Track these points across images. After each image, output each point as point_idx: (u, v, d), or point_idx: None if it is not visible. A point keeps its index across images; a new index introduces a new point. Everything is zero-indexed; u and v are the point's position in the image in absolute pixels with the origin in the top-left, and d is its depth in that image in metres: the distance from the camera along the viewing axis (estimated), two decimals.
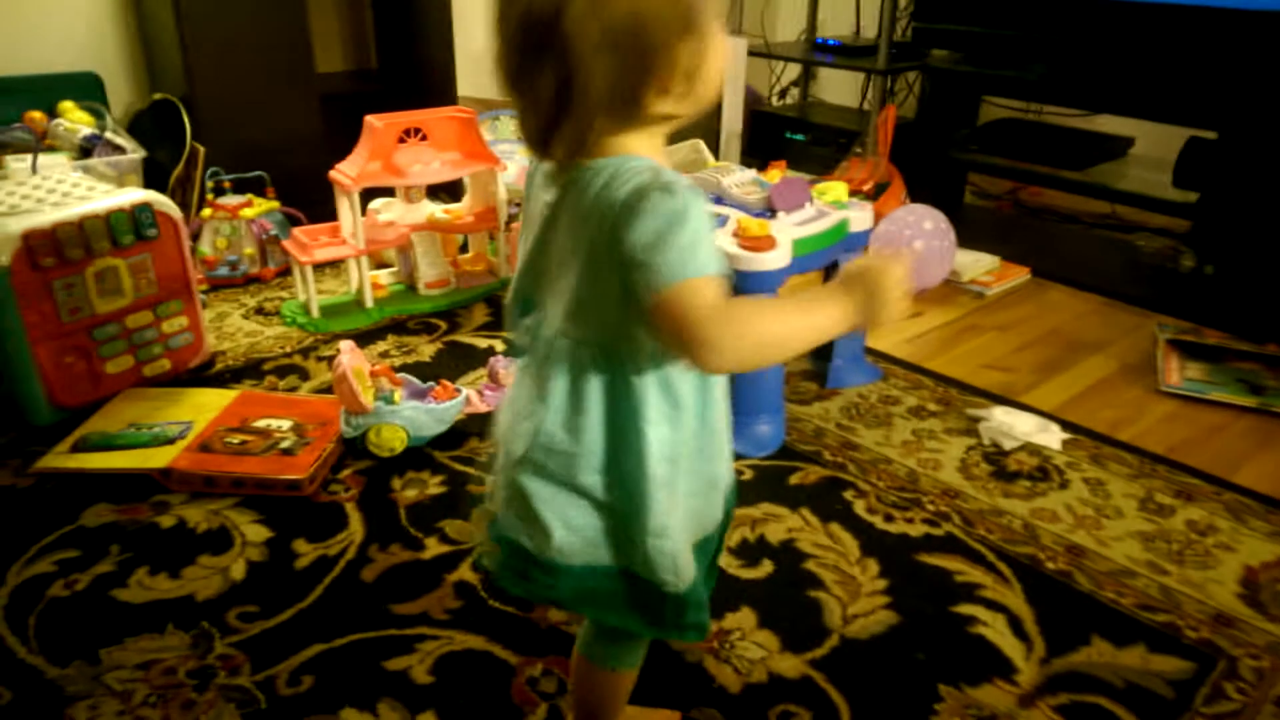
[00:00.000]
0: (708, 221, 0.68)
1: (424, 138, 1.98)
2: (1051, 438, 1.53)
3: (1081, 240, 2.57)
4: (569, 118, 0.67)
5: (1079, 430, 1.57)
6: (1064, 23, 2.19)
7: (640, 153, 0.71)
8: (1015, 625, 1.14)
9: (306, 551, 1.25)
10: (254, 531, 1.29)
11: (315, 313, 1.92)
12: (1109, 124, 2.61)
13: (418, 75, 2.69)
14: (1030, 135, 2.52)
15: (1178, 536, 1.31)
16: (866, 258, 0.75)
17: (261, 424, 1.49)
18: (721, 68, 0.71)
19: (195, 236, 2.09)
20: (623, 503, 0.75)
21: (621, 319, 0.70)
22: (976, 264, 2.22)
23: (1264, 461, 1.51)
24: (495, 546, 0.82)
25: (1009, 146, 2.49)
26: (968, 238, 2.27)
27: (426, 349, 1.84)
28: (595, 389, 0.73)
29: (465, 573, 1.21)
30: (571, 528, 0.76)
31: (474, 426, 1.54)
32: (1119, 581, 1.22)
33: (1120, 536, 1.31)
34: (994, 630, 1.13)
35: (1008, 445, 1.51)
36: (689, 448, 0.76)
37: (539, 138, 0.70)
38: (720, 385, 0.80)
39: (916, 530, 1.31)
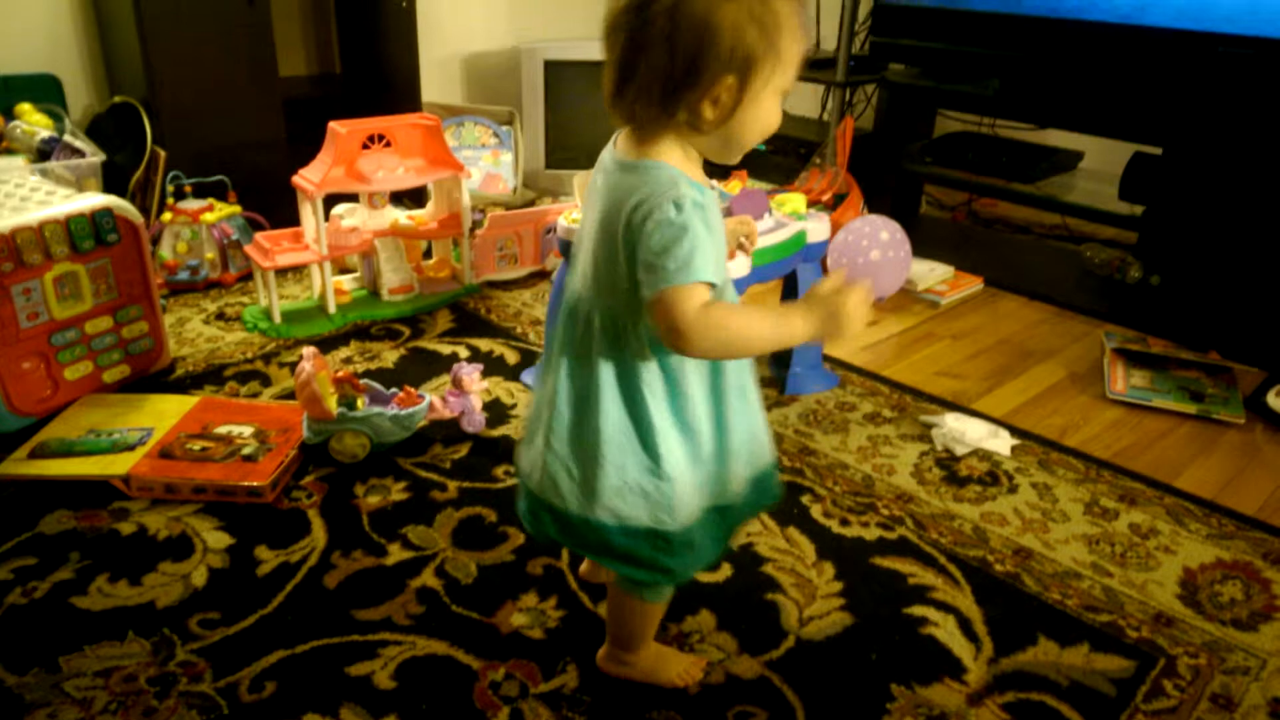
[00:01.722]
0: (706, 234, 0.79)
1: (388, 144, 1.98)
2: (1001, 443, 1.57)
3: (1033, 251, 2.64)
4: (629, 86, 0.80)
5: (1028, 436, 1.62)
6: (1017, 41, 2.26)
7: (672, 160, 0.82)
8: (965, 626, 1.17)
9: (268, 558, 1.25)
10: (215, 538, 1.29)
11: (277, 318, 1.92)
12: (1059, 139, 2.68)
13: (382, 81, 2.68)
14: (984, 148, 2.58)
15: (1121, 539, 1.36)
16: (831, 281, 0.86)
17: (223, 430, 1.49)
18: (761, 129, 0.83)
19: (155, 241, 2.07)
20: (617, 454, 0.87)
21: (629, 296, 0.82)
22: (931, 274, 2.27)
23: (1204, 466, 1.57)
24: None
25: (963, 159, 2.55)
26: (923, 248, 2.33)
27: (390, 355, 1.85)
28: (602, 344, 0.86)
29: (428, 578, 1.22)
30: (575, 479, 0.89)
31: (437, 432, 1.55)
32: (1064, 583, 1.26)
33: (1066, 539, 1.35)
34: (944, 631, 1.17)
35: (959, 451, 1.55)
36: (692, 414, 0.88)
37: (613, 98, 0.83)
38: (736, 370, 0.91)
39: (871, 534, 1.35)
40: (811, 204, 2.29)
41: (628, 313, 0.84)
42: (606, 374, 0.86)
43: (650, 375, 0.86)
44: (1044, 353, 1.96)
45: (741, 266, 1.46)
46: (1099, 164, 2.53)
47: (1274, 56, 1.86)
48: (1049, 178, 2.47)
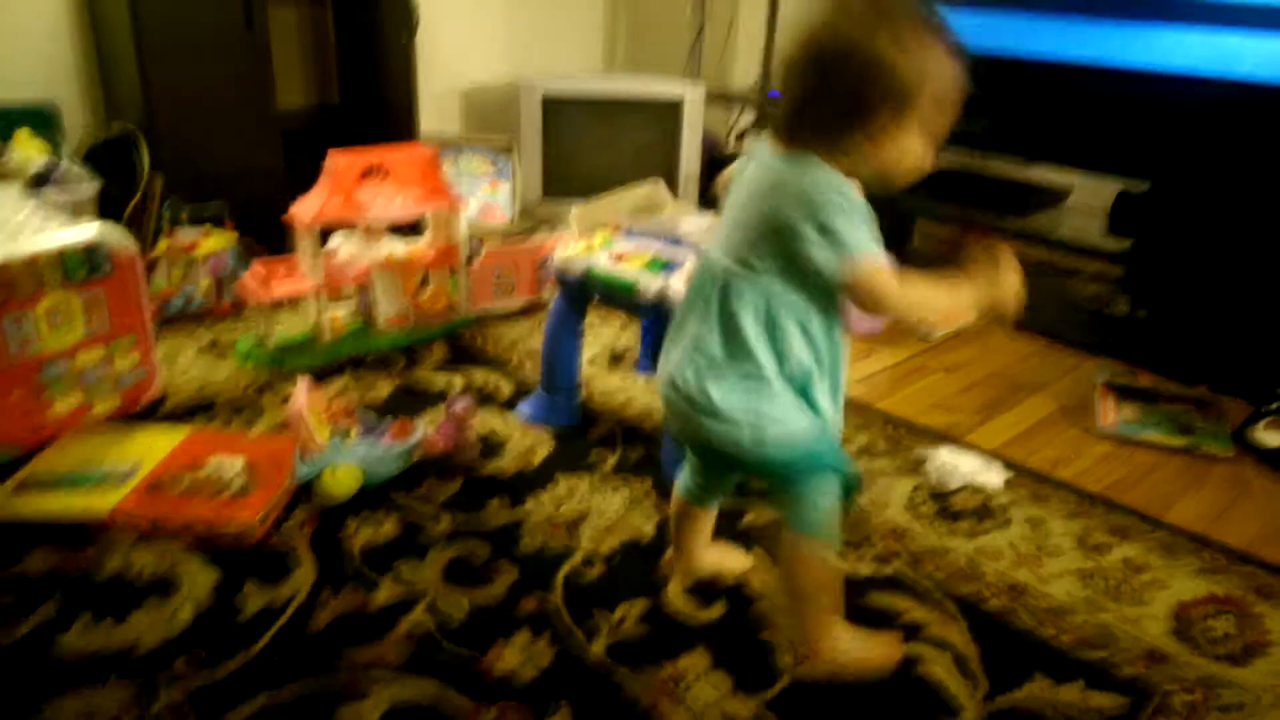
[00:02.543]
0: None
1: (386, 175, 1.99)
2: (993, 477, 1.58)
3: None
4: (803, 118, 0.93)
5: (1020, 469, 1.62)
6: (1005, 79, 2.29)
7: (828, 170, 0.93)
8: (960, 663, 1.17)
9: (256, 596, 1.24)
10: (202, 576, 1.27)
11: (271, 349, 1.91)
12: (1047, 175, 2.71)
13: (381, 112, 2.71)
14: (973, 184, 2.61)
15: (1113, 573, 1.36)
16: (987, 254, 1.00)
17: (213, 464, 1.47)
18: (911, 166, 0.95)
19: (150, 269, 2.07)
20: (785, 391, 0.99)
21: (788, 265, 0.94)
22: None
23: (1194, 500, 1.57)
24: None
25: (954, 194, 2.58)
26: None
27: (384, 386, 1.85)
28: (758, 309, 0.96)
29: (419, 616, 1.21)
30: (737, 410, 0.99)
31: (431, 466, 1.54)
32: (1058, 618, 1.26)
33: (1059, 574, 1.35)
34: (939, 668, 1.16)
35: (952, 484, 1.56)
36: (822, 365, 1.00)
37: (785, 124, 0.95)
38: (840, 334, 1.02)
39: (865, 568, 1.35)
40: None
41: (777, 291, 0.96)
42: (750, 335, 0.97)
43: (804, 334, 0.97)
44: (1034, 386, 1.97)
45: None
46: (1085, 199, 2.56)
47: (1250, 95, 1.89)
48: (1037, 212, 2.50)
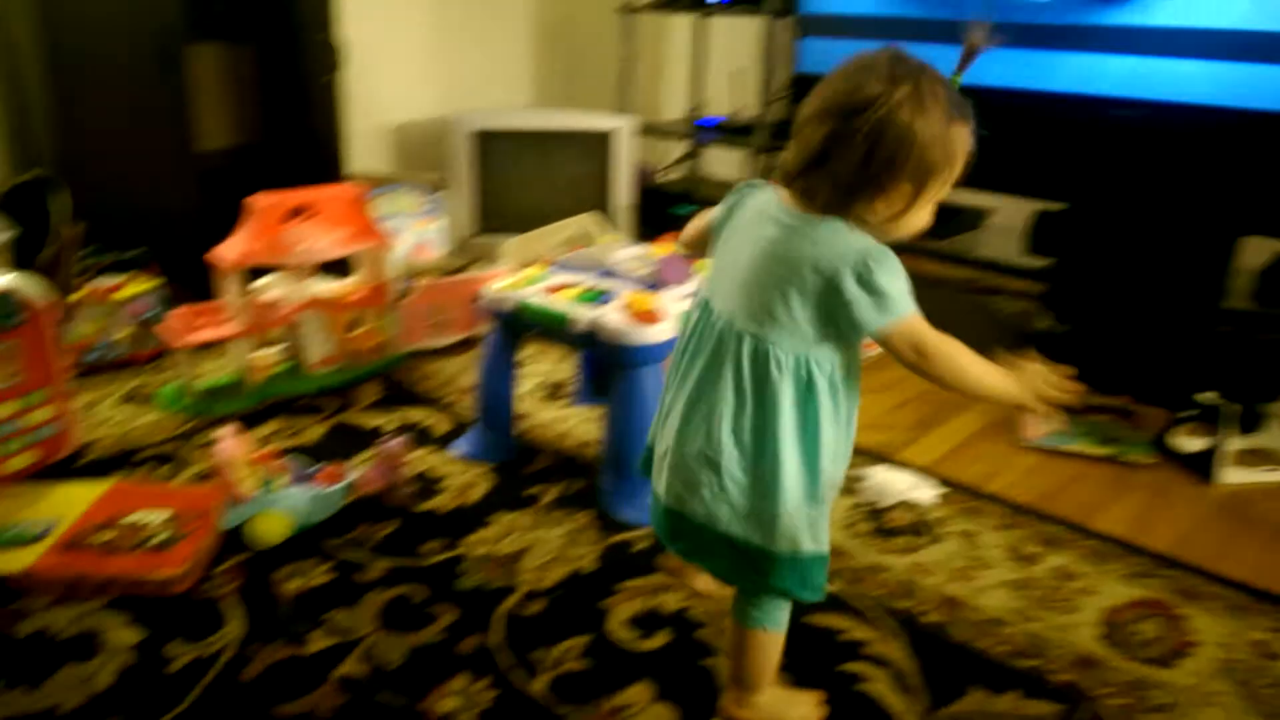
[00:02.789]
0: None
1: (312, 214, 1.97)
2: (927, 493, 1.60)
3: (949, 304, 2.73)
4: (819, 171, 0.91)
5: (952, 484, 1.66)
6: None
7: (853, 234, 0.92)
8: (900, 679, 1.18)
9: (182, 652, 1.20)
10: (123, 634, 1.22)
11: (195, 396, 1.86)
12: (968, 197, 2.80)
13: (306, 151, 2.67)
14: None
15: (1045, 583, 1.39)
16: (1037, 363, 1.01)
17: (134, 518, 1.42)
18: (913, 229, 0.96)
19: (69, 317, 2.00)
20: (801, 475, 0.97)
21: (813, 334, 0.94)
22: None
23: (1119, 507, 1.62)
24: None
25: None
26: None
27: (315, 430, 1.81)
28: (772, 383, 0.94)
29: (352, 666, 1.18)
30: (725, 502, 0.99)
31: (364, 508, 1.51)
32: (991, 630, 1.28)
33: (993, 585, 1.38)
34: (881, 685, 1.17)
35: (885, 502, 1.58)
36: (839, 438, 0.99)
37: (797, 174, 0.93)
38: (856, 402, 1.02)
39: None
40: None
41: (808, 347, 0.94)
42: (784, 405, 0.95)
43: (824, 403, 0.96)
44: (964, 402, 2.02)
45: (669, 329, 1.48)
46: (1006, 220, 2.65)
47: (1160, 116, 1.99)
48: (960, 234, 2.57)
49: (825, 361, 0.95)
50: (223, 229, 1.95)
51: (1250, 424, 1.84)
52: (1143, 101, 2.01)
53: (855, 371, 1.00)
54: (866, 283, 0.90)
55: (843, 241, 0.91)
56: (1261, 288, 2.07)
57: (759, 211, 0.98)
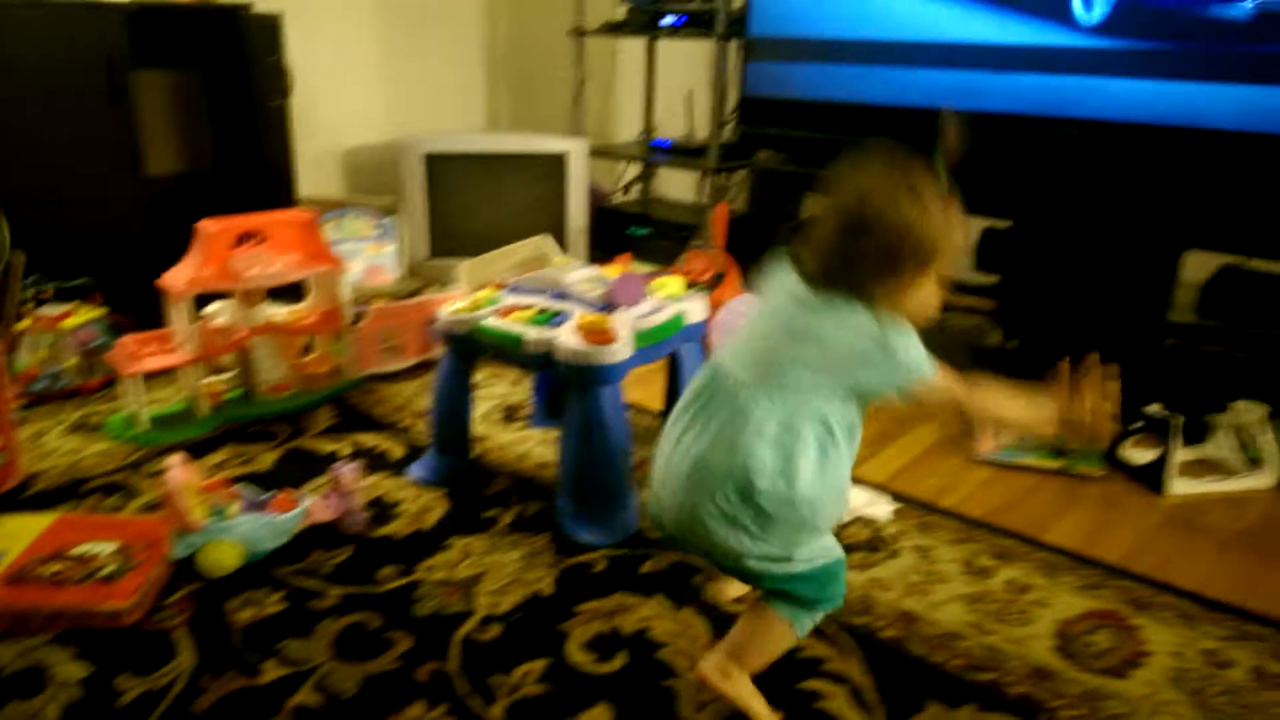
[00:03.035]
0: None
1: (262, 240, 1.94)
2: (882, 509, 1.62)
3: None
4: (832, 263, 1.04)
5: (907, 500, 1.67)
6: (869, 127, 2.41)
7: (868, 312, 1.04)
8: (857, 695, 1.19)
9: (131, 687, 1.16)
10: (71, 668, 1.19)
11: (144, 425, 1.82)
12: None
13: (255, 177, 2.65)
14: None
15: (999, 596, 1.41)
16: (1077, 372, 1.13)
17: (82, 549, 1.39)
18: (923, 309, 1.07)
19: (13, 348, 1.95)
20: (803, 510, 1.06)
21: (829, 394, 1.05)
22: None
23: (1070, 520, 1.65)
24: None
25: None
26: None
27: (267, 457, 1.78)
28: (791, 434, 1.04)
29: (306, 696, 1.16)
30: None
31: (317, 537, 1.49)
32: (948, 644, 1.29)
33: (948, 600, 1.39)
34: (838, 702, 1.17)
35: (842, 519, 1.59)
36: (838, 476, 1.09)
37: (818, 271, 1.06)
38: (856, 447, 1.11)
39: None
40: (692, 284, 2.35)
41: (823, 405, 1.05)
42: (800, 452, 1.04)
43: (831, 451, 1.06)
44: (918, 418, 2.04)
45: (624, 349, 1.48)
46: None
47: (1102, 134, 2.05)
48: None
49: (836, 414, 1.06)
50: (172, 255, 1.92)
51: (1196, 435, 1.88)
52: (1084, 120, 2.07)
53: (860, 423, 1.11)
54: (889, 353, 1.03)
55: (863, 319, 1.03)
56: (1204, 301, 2.13)
57: (783, 291, 1.09)
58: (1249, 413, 1.82)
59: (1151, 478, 1.79)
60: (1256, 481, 1.79)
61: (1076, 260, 2.22)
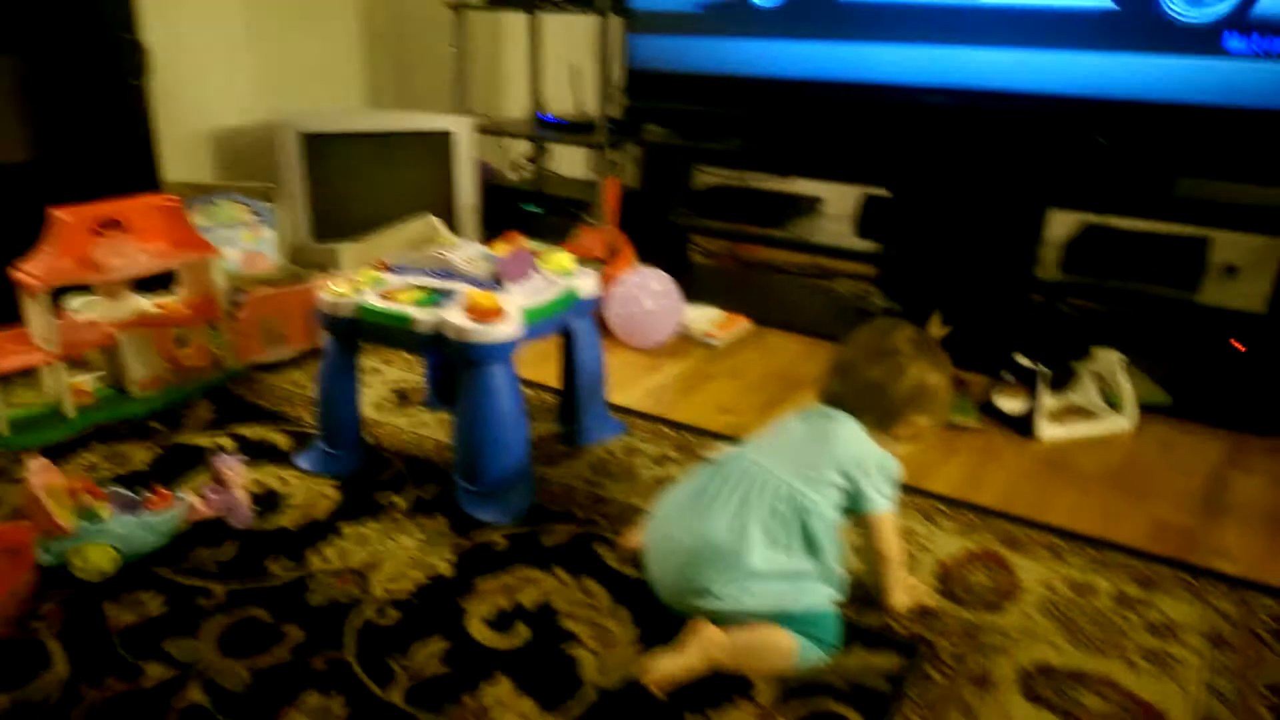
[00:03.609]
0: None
1: (124, 228, 1.84)
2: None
3: (791, 289, 2.85)
4: (859, 405, 1.29)
5: None
6: (753, 101, 2.45)
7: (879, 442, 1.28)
8: None
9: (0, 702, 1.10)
10: None
11: (3, 429, 1.71)
12: (802, 186, 2.93)
13: (114, 162, 2.49)
14: (737, 199, 2.77)
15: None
16: (924, 593, 1.35)
17: None
18: (915, 441, 1.33)
19: None
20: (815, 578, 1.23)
21: (830, 488, 1.23)
22: (704, 317, 2.39)
23: (950, 468, 1.73)
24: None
25: (720, 210, 2.72)
26: (695, 294, 2.45)
27: (142, 456, 1.69)
28: (802, 514, 1.21)
29: (194, 694, 1.11)
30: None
31: (200, 533, 1.43)
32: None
33: None
34: None
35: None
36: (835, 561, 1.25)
37: (842, 404, 1.30)
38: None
39: None
40: (585, 261, 2.35)
41: (827, 495, 1.23)
42: (815, 529, 1.21)
43: (833, 529, 1.24)
44: (809, 382, 2.10)
45: (512, 327, 1.47)
46: (837, 207, 2.78)
47: (967, 101, 2.13)
48: (795, 221, 2.68)
49: (836, 500, 1.24)
50: (23, 247, 1.80)
51: (1062, 383, 2.00)
52: (950, 88, 2.15)
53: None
54: (882, 478, 1.26)
55: (869, 445, 1.27)
56: (1067, 257, 2.25)
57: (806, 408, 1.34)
58: (1106, 360, 1.94)
59: (1023, 426, 1.89)
60: (1116, 424, 1.92)
61: (950, 224, 2.32)
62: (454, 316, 1.46)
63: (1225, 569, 1.43)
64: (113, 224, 1.83)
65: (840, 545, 1.25)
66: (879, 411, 1.28)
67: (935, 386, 1.28)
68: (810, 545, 1.20)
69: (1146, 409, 1.95)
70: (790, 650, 1.16)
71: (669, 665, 1.14)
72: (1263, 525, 1.57)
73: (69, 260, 1.76)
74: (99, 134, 2.41)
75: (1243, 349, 2.06)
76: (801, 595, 1.19)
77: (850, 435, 1.26)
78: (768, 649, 1.16)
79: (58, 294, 1.77)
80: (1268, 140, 1.86)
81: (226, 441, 1.75)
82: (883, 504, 1.26)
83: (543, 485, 1.61)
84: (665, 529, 1.27)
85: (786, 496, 1.21)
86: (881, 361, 1.28)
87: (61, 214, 1.76)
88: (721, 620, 1.17)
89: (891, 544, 1.28)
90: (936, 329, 1.36)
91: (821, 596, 1.21)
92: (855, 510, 1.26)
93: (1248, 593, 1.37)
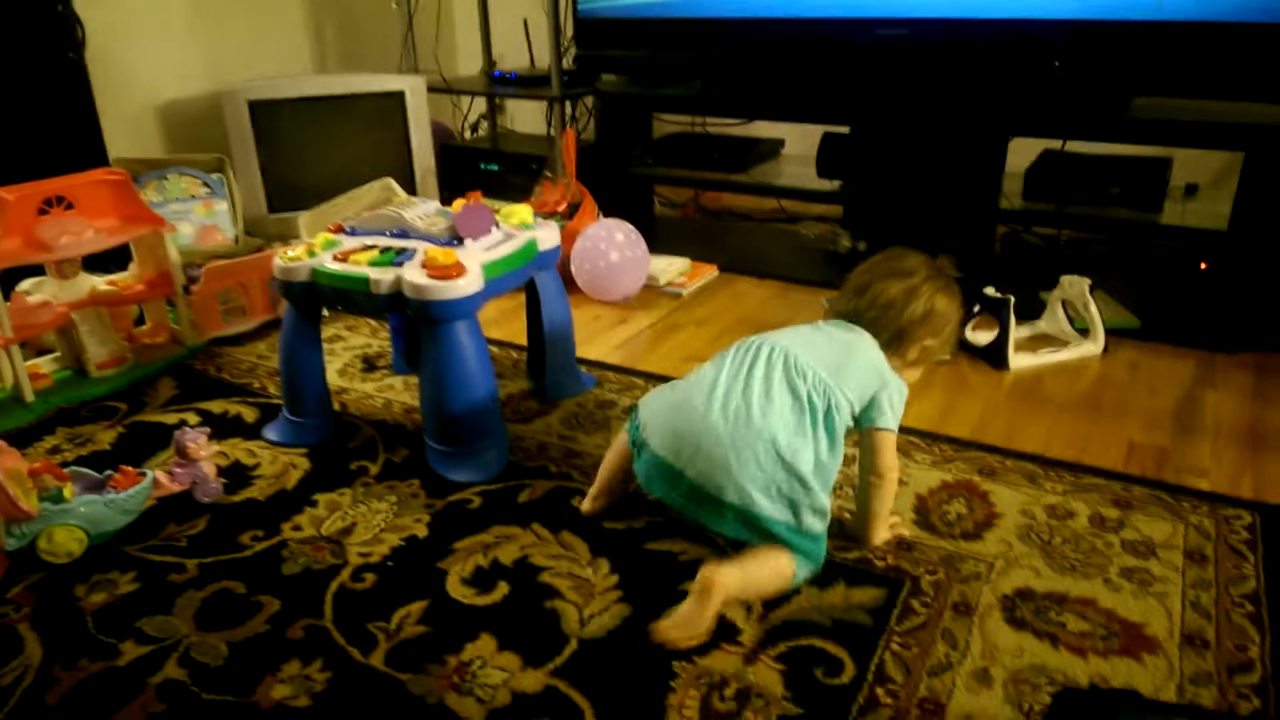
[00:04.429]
0: None
1: (70, 206, 1.78)
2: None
3: (757, 234, 2.83)
4: (867, 318, 1.32)
5: None
6: (707, 43, 2.40)
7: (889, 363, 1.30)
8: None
9: None
10: None
11: None
12: (762, 129, 2.89)
13: (54, 140, 2.41)
14: (697, 146, 2.73)
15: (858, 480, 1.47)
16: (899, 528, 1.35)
17: None
18: (921, 367, 1.38)
19: None
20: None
21: (851, 389, 1.24)
22: (670, 267, 2.37)
23: (921, 403, 1.74)
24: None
25: (682, 158, 2.68)
26: (660, 244, 2.42)
27: (105, 436, 1.66)
28: (830, 407, 1.23)
29: (171, 670, 1.10)
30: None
31: (169, 510, 1.40)
32: None
33: None
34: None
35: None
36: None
37: (854, 314, 1.34)
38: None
39: (640, 522, 1.37)
40: (548, 215, 2.31)
41: (844, 400, 1.23)
42: (833, 423, 1.22)
43: (839, 432, 1.23)
44: (777, 324, 2.03)
45: (473, 283, 1.44)
46: (798, 149, 2.75)
47: (922, 32, 2.10)
48: (757, 165, 2.65)
49: (849, 409, 1.25)
50: None
51: (1030, 312, 2.01)
52: (903, 19, 2.12)
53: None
54: (898, 396, 1.27)
55: (885, 365, 1.29)
56: (1028, 186, 2.24)
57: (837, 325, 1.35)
58: (1074, 287, 1.94)
59: (993, 356, 1.90)
60: (1086, 350, 1.93)
61: (911, 158, 2.30)
62: (412, 275, 1.43)
63: (1200, 486, 1.45)
64: (59, 201, 1.77)
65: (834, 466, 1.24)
66: (892, 331, 1.30)
67: (946, 311, 1.31)
68: (832, 442, 1.21)
69: (1116, 333, 1.96)
70: (789, 571, 1.18)
71: (693, 623, 1.13)
72: (1235, 441, 1.59)
73: (15, 240, 1.70)
74: (40, 111, 2.32)
75: (1204, 265, 2.07)
76: (804, 517, 1.19)
77: (873, 347, 1.28)
78: (769, 573, 1.18)
79: (6, 276, 1.71)
80: (1222, 54, 1.85)
81: (191, 418, 1.72)
82: (892, 422, 1.26)
83: (516, 443, 1.60)
84: (690, 414, 1.22)
85: (821, 388, 1.22)
86: (899, 280, 1.30)
87: (4, 193, 1.70)
88: (731, 516, 1.18)
89: (892, 464, 1.28)
90: (950, 270, 1.38)
91: (816, 517, 1.20)
92: (861, 425, 1.26)
93: (1223, 507, 1.39)
